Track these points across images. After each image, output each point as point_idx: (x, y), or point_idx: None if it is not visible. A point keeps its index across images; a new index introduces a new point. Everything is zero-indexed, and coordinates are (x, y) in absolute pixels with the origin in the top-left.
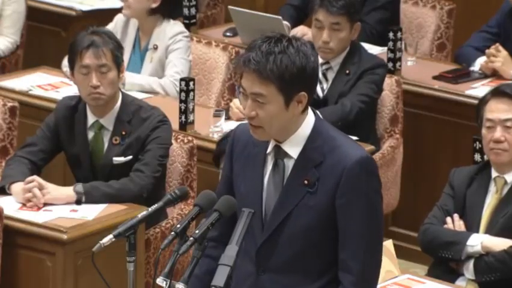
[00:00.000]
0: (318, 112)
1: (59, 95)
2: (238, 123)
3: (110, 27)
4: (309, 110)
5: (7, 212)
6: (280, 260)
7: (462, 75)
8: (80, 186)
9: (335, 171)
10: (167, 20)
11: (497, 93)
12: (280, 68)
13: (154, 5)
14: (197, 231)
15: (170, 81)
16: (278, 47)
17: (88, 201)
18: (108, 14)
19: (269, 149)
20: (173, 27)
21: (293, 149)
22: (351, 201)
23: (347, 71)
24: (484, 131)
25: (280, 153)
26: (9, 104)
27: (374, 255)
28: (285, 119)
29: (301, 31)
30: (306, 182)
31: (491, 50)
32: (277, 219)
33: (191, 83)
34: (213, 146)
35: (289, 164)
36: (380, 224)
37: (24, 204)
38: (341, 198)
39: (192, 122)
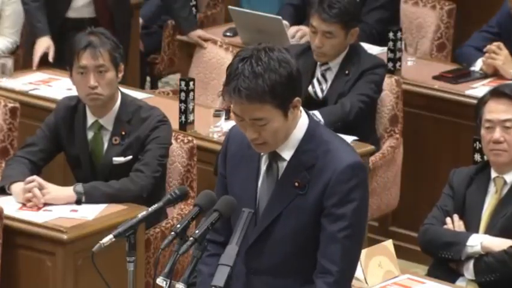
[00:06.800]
0: (315, 114)
1: (52, 89)
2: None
3: None
4: (303, 113)
5: (7, 212)
6: (269, 261)
7: (462, 75)
8: (80, 186)
9: (325, 173)
10: None
11: (496, 93)
12: (270, 86)
13: None
14: (197, 231)
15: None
16: (260, 66)
17: (88, 201)
18: None
19: None
20: None
21: (287, 151)
22: (337, 204)
23: (347, 72)
24: (483, 131)
25: (274, 156)
26: (10, 105)
27: (351, 261)
28: (287, 127)
29: (301, 32)
30: (296, 184)
31: (492, 47)
32: (266, 221)
33: (191, 83)
34: (213, 146)
35: (283, 166)
36: (363, 231)
37: (24, 204)
38: (328, 200)
39: (192, 122)
